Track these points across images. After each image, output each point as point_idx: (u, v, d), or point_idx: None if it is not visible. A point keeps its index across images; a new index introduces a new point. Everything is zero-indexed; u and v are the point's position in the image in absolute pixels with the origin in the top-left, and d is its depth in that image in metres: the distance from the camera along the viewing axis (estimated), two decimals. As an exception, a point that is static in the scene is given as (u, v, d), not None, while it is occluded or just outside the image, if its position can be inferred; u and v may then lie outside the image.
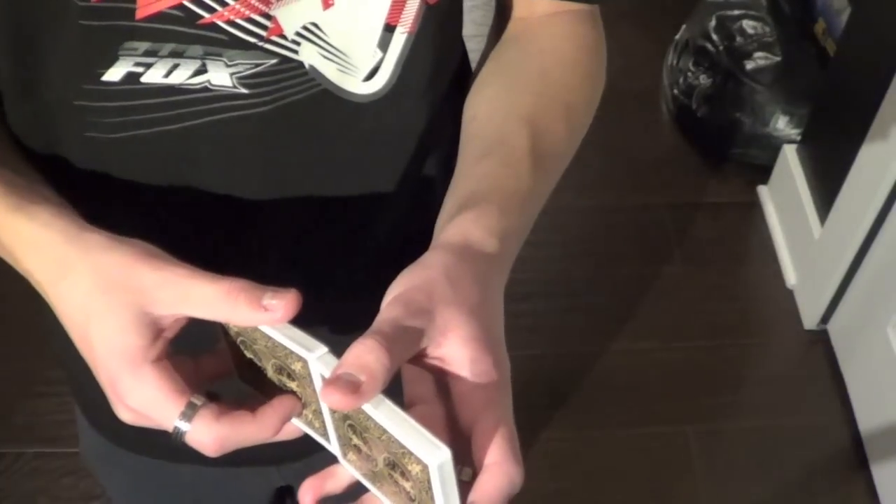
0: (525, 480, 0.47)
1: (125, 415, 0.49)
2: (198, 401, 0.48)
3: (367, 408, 0.43)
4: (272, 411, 0.49)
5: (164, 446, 0.53)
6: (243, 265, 0.65)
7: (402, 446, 0.43)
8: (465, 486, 0.45)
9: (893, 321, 1.62)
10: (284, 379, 0.50)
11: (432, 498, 0.44)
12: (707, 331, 1.87)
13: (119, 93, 0.55)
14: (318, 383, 0.47)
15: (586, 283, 1.94)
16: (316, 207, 0.64)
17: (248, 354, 0.51)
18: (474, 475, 0.46)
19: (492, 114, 0.61)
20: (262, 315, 0.46)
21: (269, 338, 0.48)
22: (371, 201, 0.66)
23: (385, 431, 0.43)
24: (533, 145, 0.59)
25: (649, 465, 1.70)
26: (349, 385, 0.42)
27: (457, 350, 0.47)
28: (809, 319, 1.86)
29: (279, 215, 0.64)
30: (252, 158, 0.60)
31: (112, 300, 0.47)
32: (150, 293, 0.47)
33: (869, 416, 1.71)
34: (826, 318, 1.84)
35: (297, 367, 0.48)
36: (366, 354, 0.43)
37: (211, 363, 0.53)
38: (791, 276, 1.92)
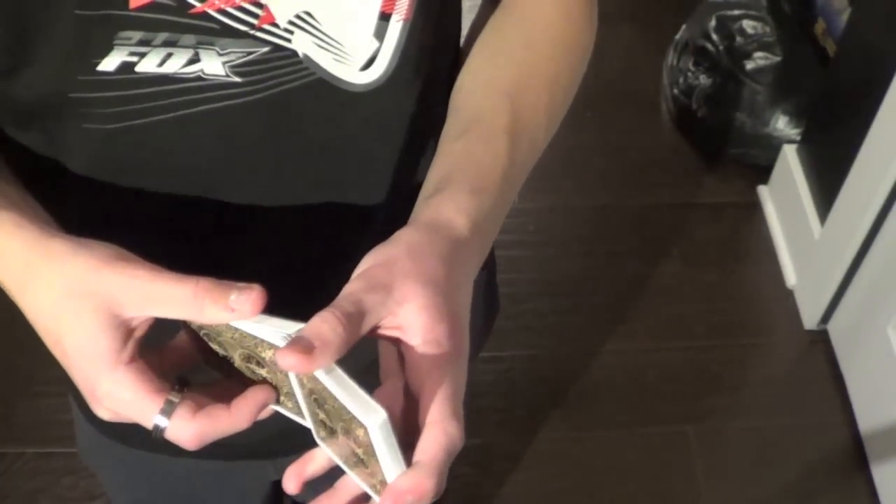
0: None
1: (104, 414, 0.50)
2: (175, 398, 0.49)
3: (320, 374, 0.45)
4: (246, 404, 0.50)
5: (158, 439, 0.54)
6: (239, 254, 0.65)
7: (348, 412, 0.45)
8: (411, 450, 0.47)
9: (893, 321, 1.62)
10: (253, 366, 0.51)
11: (378, 460, 0.45)
12: (707, 331, 1.87)
13: (114, 83, 0.55)
14: (292, 373, 0.48)
15: (586, 283, 1.94)
16: (313, 196, 0.64)
17: (213, 346, 0.52)
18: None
19: (475, 86, 0.63)
20: (229, 314, 0.47)
21: (236, 329, 0.49)
22: (368, 189, 0.66)
23: (336, 399, 0.45)
24: (512, 121, 0.60)
25: (649, 465, 1.70)
26: (304, 349, 0.44)
27: (412, 318, 0.48)
28: (809, 319, 1.86)
29: (275, 204, 0.64)
30: (247, 147, 0.60)
31: (80, 306, 0.48)
32: (115, 297, 0.48)
33: (869, 416, 1.71)
34: (826, 318, 1.84)
35: (267, 354, 0.49)
36: (321, 324, 0.46)
37: (174, 354, 0.53)
38: (791, 276, 1.93)
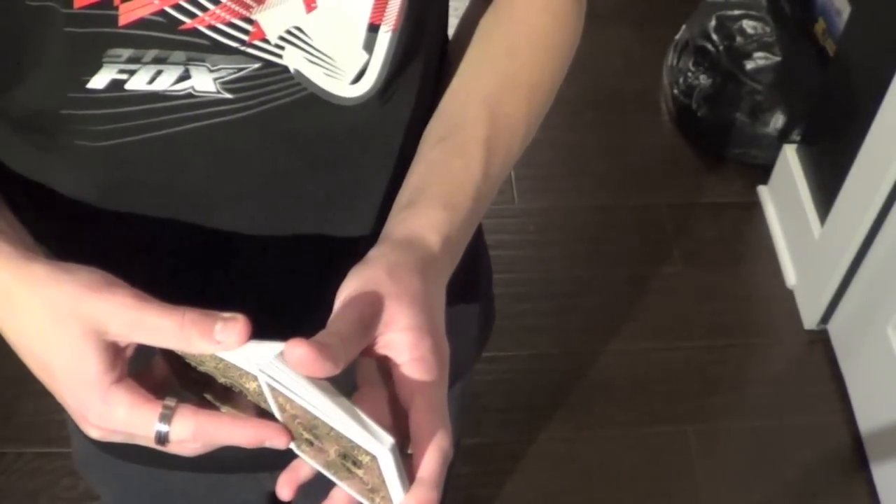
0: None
1: (94, 433, 0.51)
2: (171, 402, 0.49)
3: (314, 408, 0.47)
4: (254, 424, 0.50)
5: (154, 453, 0.54)
6: (229, 272, 0.65)
7: (350, 441, 0.46)
8: (409, 459, 0.49)
9: (893, 321, 1.62)
10: (235, 395, 0.52)
11: (384, 482, 0.47)
12: (707, 331, 1.87)
13: (104, 100, 0.55)
14: (271, 399, 0.49)
15: (586, 283, 1.94)
16: (304, 213, 0.64)
17: (193, 374, 0.52)
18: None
19: (457, 90, 0.64)
20: (215, 346, 0.48)
21: (221, 359, 0.49)
22: (360, 205, 0.66)
23: (332, 429, 0.47)
24: (489, 133, 0.61)
25: (649, 465, 1.70)
26: (314, 344, 0.46)
27: (398, 337, 0.51)
28: (809, 319, 1.86)
29: (266, 221, 0.63)
30: (238, 164, 0.60)
31: (67, 330, 0.48)
32: (101, 322, 0.48)
33: (869, 416, 1.71)
34: (826, 318, 1.84)
35: (251, 385, 0.49)
36: (325, 339, 0.48)
37: (151, 379, 0.53)
38: (791, 276, 1.93)
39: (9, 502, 1.62)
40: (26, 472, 1.64)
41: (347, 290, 0.52)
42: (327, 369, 0.46)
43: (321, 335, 0.48)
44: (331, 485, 0.52)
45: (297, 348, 0.46)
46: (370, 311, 0.50)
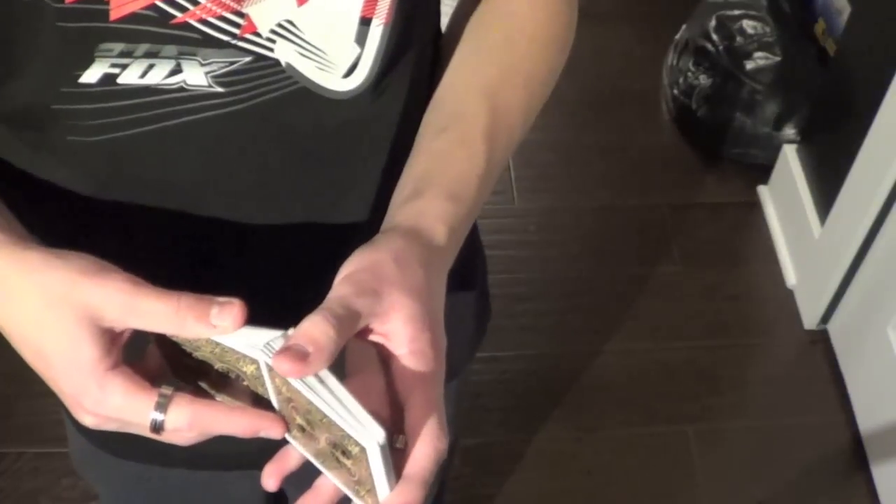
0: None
1: (88, 420, 0.50)
2: (167, 391, 0.49)
3: (310, 393, 0.46)
4: (248, 414, 0.50)
5: (151, 450, 0.54)
6: (222, 266, 0.65)
7: (341, 429, 0.46)
8: (399, 453, 0.49)
9: (893, 321, 1.62)
10: (232, 379, 0.52)
11: (371, 474, 0.47)
12: (707, 331, 1.87)
13: (96, 94, 0.55)
14: (269, 381, 0.49)
15: (586, 283, 1.94)
16: (297, 207, 0.64)
17: (187, 362, 0.52)
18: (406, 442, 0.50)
19: (455, 81, 0.64)
20: (211, 330, 0.48)
21: (217, 344, 0.49)
22: (353, 198, 0.66)
23: (325, 416, 0.46)
24: (490, 124, 0.61)
25: (649, 465, 1.70)
26: (298, 355, 0.45)
27: (398, 328, 0.50)
28: (809, 319, 1.86)
29: (259, 215, 0.63)
30: (231, 158, 0.60)
31: (61, 316, 0.48)
32: (96, 307, 0.48)
33: (869, 416, 1.71)
34: (826, 318, 1.84)
35: (248, 369, 0.49)
36: (313, 329, 0.46)
37: (144, 368, 0.53)
38: (791, 276, 1.93)
39: (9, 502, 1.62)
40: (26, 472, 1.64)
41: (351, 266, 0.52)
42: (317, 368, 0.46)
43: (315, 313, 0.47)
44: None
45: (282, 363, 0.45)
46: (370, 292, 0.50)
